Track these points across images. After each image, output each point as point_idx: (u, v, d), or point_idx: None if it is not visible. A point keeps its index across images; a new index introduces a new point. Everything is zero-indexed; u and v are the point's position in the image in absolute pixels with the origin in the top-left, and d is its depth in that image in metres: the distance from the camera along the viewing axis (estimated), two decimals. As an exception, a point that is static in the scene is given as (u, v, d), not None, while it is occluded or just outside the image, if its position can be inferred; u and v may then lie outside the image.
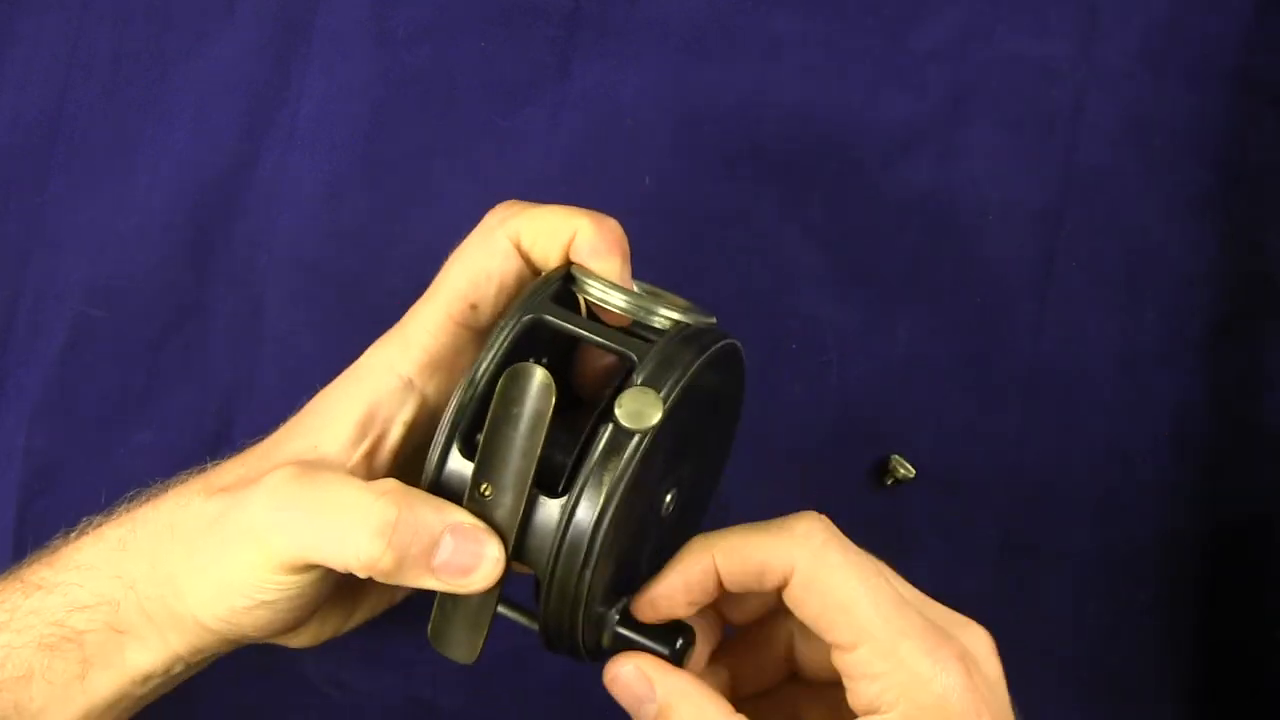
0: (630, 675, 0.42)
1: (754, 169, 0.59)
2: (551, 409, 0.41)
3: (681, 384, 0.41)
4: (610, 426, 0.40)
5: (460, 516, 0.41)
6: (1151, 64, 0.60)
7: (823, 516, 0.41)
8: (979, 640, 0.41)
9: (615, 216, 0.60)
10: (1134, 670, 0.61)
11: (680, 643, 0.43)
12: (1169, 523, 0.60)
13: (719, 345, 0.44)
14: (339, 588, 0.48)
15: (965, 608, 0.60)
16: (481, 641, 0.43)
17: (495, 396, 0.41)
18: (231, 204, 0.58)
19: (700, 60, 0.59)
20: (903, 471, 0.59)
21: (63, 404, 0.57)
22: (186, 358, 0.58)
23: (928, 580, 0.59)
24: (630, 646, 0.43)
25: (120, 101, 0.58)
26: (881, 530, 0.59)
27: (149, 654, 0.45)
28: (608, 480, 0.40)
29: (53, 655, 0.44)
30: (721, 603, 0.45)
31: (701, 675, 0.45)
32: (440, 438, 0.42)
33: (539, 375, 0.40)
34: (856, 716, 0.40)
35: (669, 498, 0.44)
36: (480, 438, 0.41)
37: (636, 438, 0.40)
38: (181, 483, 0.47)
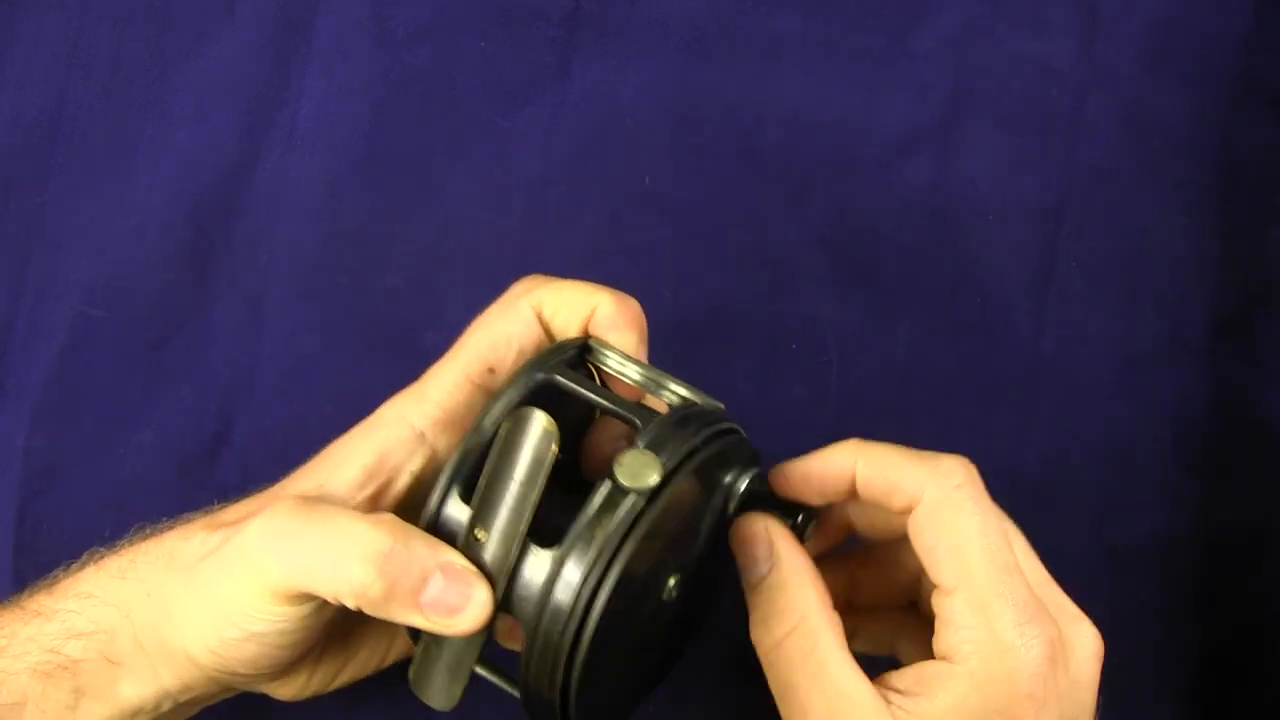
0: (758, 532, 0.43)
1: (754, 169, 0.59)
2: (551, 456, 0.40)
3: (683, 450, 0.41)
4: (607, 483, 0.40)
5: (453, 556, 0.41)
6: (1151, 64, 0.60)
7: (970, 464, 0.42)
8: (1085, 637, 0.41)
9: (615, 216, 0.60)
10: (1133, 670, 0.61)
11: (802, 517, 0.43)
12: (1169, 523, 0.60)
13: (726, 426, 0.43)
14: (330, 638, 0.47)
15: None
16: (460, 689, 0.42)
17: (497, 440, 0.40)
18: (231, 204, 0.58)
19: (700, 60, 0.59)
20: (903, 471, 0.59)
21: (63, 404, 0.57)
22: (186, 358, 0.58)
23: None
24: (756, 506, 0.44)
25: (120, 101, 0.58)
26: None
27: (139, 687, 0.45)
28: (599, 536, 0.39)
29: (47, 683, 0.44)
30: (854, 511, 0.46)
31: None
32: (442, 480, 0.42)
33: (542, 420, 0.40)
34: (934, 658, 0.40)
35: (672, 583, 0.43)
36: (480, 483, 0.41)
37: (632, 497, 0.39)
38: (186, 521, 0.47)
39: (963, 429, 0.60)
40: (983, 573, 0.39)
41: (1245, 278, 0.61)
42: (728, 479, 0.44)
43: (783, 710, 0.41)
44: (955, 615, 0.39)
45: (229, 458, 0.57)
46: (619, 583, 0.39)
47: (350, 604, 0.41)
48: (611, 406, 0.43)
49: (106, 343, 0.58)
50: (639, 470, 0.40)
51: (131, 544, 0.46)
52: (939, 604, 0.40)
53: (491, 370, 0.45)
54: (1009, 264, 0.60)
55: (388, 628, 0.50)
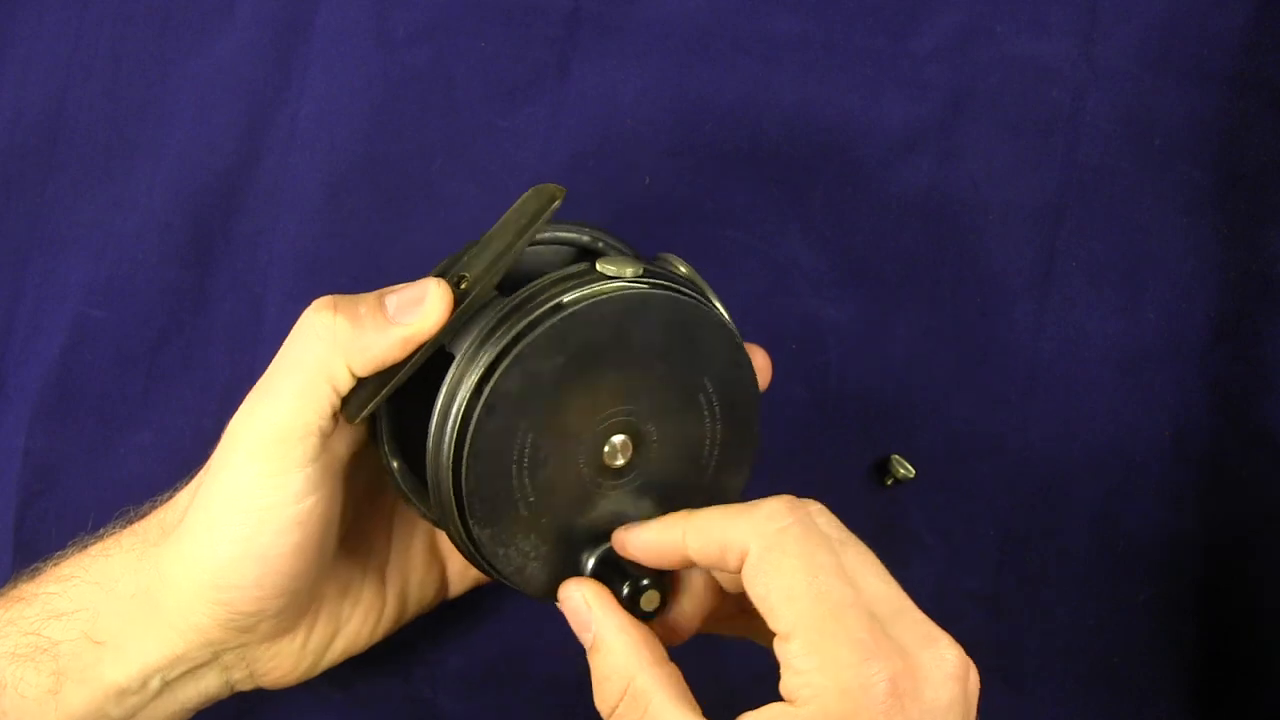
0: (574, 601, 0.43)
1: (754, 169, 0.59)
2: (548, 210, 0.42)
3: (666, 276, 0.43)
4: (584, 264, 0.43)
5: (394, 286, 0.44)
6: (1151, 64, 0.60)
7: (794, 502, 0.41)
8: (941, 660, 0.39)
9: (615, 216, 0.60)
10: (1133, 670, 0.61)
11: (631, 589, 0.43)
12: (1169, 523, 0.60)
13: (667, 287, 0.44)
14: (321, 601, 0.47)
15: (965, 607, 0.60)
16: (372, 404, 0.43)
17: (512, 207, 0.43)
18: (232, 204, 0.58)
19: (700, 60, 0.59)
20: (903, 471, 0.59)
21: (63, 404, 0.57)
22: (186, 358, 0.58)
23: (928, 580, 0.60)
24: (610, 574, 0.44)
25: (120, 101, 0.58)
26: (881, 530, 0.59)
27: (125, 666, 0.45)
28: (554, 290, 0.42)
29: (25, 666, 0.44)
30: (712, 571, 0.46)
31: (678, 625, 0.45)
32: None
33: (552, 187, 0.42)
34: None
35: (617, 441, 0.44)
36: (478, 241, 0.43)
37: (605, 280, 0.42)
38: (167, 499, 0.48)
39: (963, 429, 0.60)
40: (814, 615, 0.38)
41: (1245, 278, 0.61)
42: (583, 554, 0.44)
43: None
44: (793, 659, 0.38)
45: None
46: (539, 350, 0.40)
47: (341, 370, 0.42)
48: (613, 243, 0.45)
49: (106, 343, 0.58)
50: (619, 265, 0.43)
51: (115, 528, 0.47)
52: (778, 648, 0.39)
53: None
54: (1009, 264, 0.60)
55: (377, 584, 0.50)
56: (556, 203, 0.43)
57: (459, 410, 0.42)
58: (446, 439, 0.42)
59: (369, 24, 0.59)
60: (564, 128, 0.59)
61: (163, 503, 0.48)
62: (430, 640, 0.58)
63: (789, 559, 0.39)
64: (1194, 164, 0.61)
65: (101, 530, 0.48)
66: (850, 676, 0.37)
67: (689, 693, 0.41)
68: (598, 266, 0.43)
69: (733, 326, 0.46)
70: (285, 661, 0.48)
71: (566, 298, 0.42)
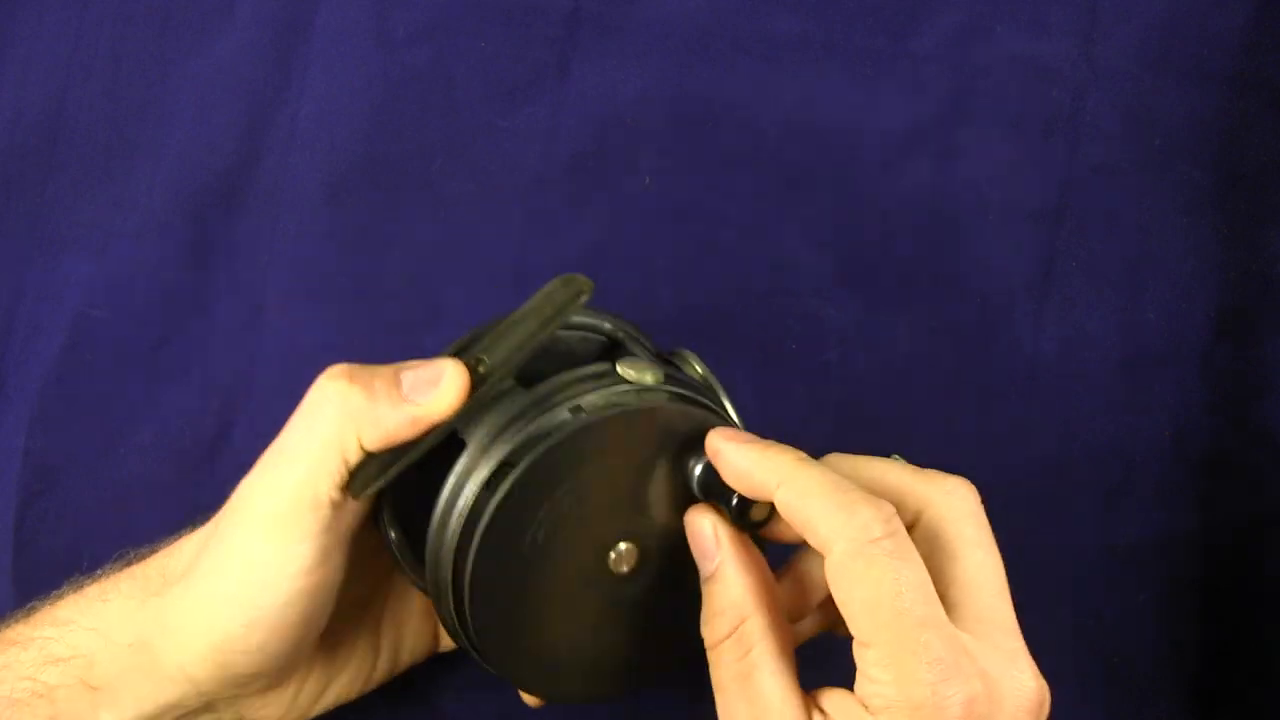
0: (701, 528, 0.42)
1: (754, 169, 0.59)
2: (574, 304, 0.41)
3: (682, 383, 0.42)
4: (605, 364, 0.42)
5: (411, 362, 0.43)
6: (1151, 64, 0.60)
7: (892, 514, 0.39)
8: (1017, 692, 0.39)
9: (615, 216, 0.60)
10: (1133, 670, 0.61)
11: (741, 499, 0.41)
12: (1169, 523, 0.60)
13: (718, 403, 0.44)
14: (317, 650, 0.47)
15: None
16: (378, 481, 0.42)
17: (538, 293, 0.42)
18: (231, 204, 0.58)
19: (700, 60, 0.59)
20: (903, 471, 0.59)
21: (63, 404, 0.57)
22: (186, 358, 0.58)
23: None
24: (713, 495, 0.42)
25: (120, 101, 0.58)
26: (881, 530, 0.59)
27: (119, 713, 0.44)
28: (574, 391, 0.41)
29: (22, 711, 0.43)
30: None
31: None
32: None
33: (580, 279, 0.42)
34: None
35: (623, 548, 0.43)
36: (501, 322, 0.43)
37: (623, 385, 0.41)
38: (169, 543, 0.47)
39: (963, 429, 0.60)
40: (894, 629, 0.38)
41: (1245, 278, 0.61)
42: (690, 461, 0.43)
43: (718, 708, 0.41)
44: (869, 668, 0.38)
45: (229, 458, 0.57)
46: (555, 456, 0.40)
47: (352, 442, 0.41)
48: (633, 334, 0.45)
49: (106, 343, 0.58)
50: (639, 369, 0.42)
51: (114, 569, 0.46)
52: (856, 652, 0.39)
53: None
54: (1009, 264, 0.60)
55: (372, 639, 0.50)
56: (584, 296, 0.42)
57: (467, 503, 0.41)
58: (450, 529, 0.42)
59: (369, 24, 0.59)
60: (564, 128, 0.59)
61: (164, 546, 0.47)
62: (430, 640, 0.58)
63: (874, 571, 0.38)
64: (1194, 164, 0.61)
65: (99, 571, 0.47)
66: (925, 694, 0.37)
67: (793, 656, 0.41)
68: (618, 369, 0.42)
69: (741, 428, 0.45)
70: (276, 711, 0.48)
71: (585, 400, 0.41)
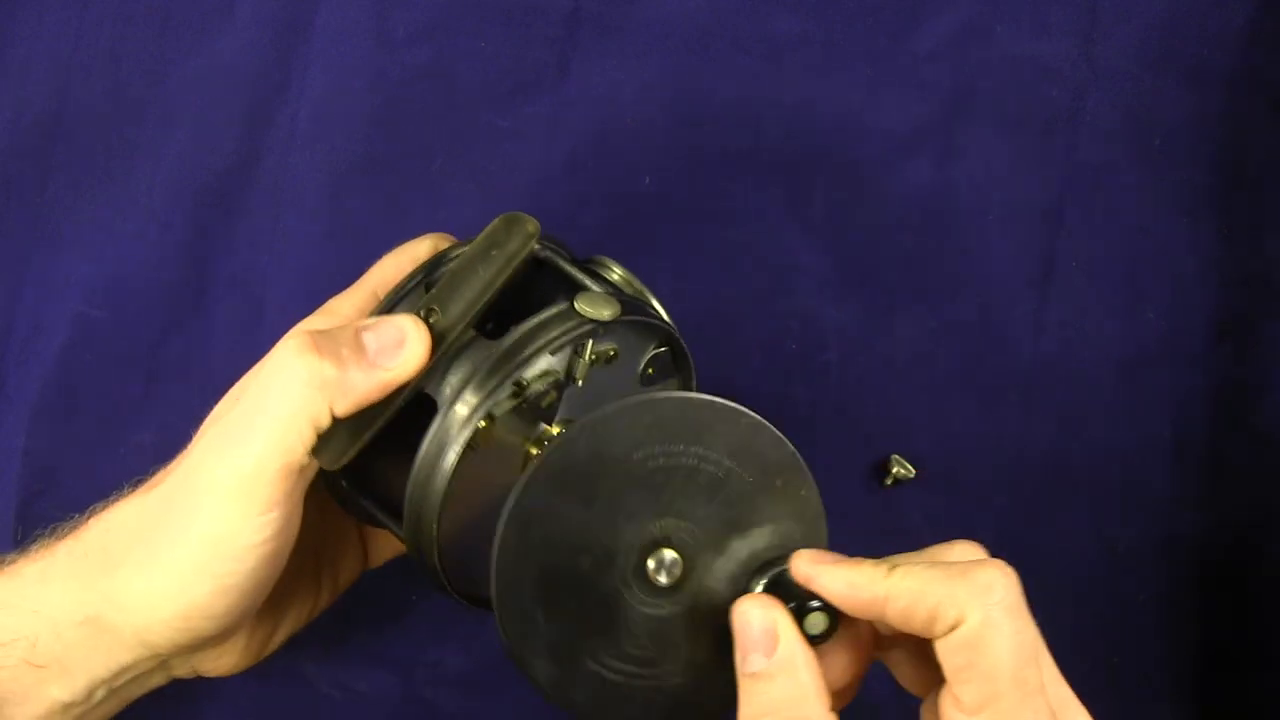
0: (760, 621, 0.40)
1: (754, 169, 0.60)
2: (525, 251, 0.42)
3: (644, 309, 0.44)
4: (562, 304, 0.43)
5: (367, 321, 0.43)
6: (1151, 64, 0.60)
7: (1007, 569, 0.39)
8: None
9: (615, 216, 0.60)
10: (1133, 670, 0.61)
11: (799, 609, 0.40)
12: (1169, 523, 0.60)
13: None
14: (262, 607, 0.47)
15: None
16: (353, 450, 0.42)
17: (481, 236, 0.43)
18: (232, 204, 0.58)
19: (700, 60, 0.59)
20: (903, 471, 0.59)
21: (63, 404, 0.57)
22: (186, 358, 0.58)
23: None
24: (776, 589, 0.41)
25: (120, 101, 0.58)
26: (881, 530, 0.59)
27: (70, 684, 0.45)
28: (539, 338, 0.42)
29: None
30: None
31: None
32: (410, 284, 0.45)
33: (527, 221, 0.43)
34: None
35: (668, 558, 0.41)
36: (446, 270, 0.43)
37: (581, 321, 0.42)
38: (95, 513, 0.47)
39: (963, 429, 0.60)
40: (1009, 699, 0.37)
41: (1245, 278, 0.61)
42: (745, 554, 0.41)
43: None
44: None
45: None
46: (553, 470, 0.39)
47: (324, 412, 0.42)
48: (582, 279, 0.45)
49: (106, 343, 0.58)
50: (596, 306, 0.43)
51: (45, 546, 0.46)
52: (953, 713, 0.38)
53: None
54: (1009, 264, 0.60)
55: (313, 580, 0.51)
56: (533, 244, 0.43)
57: (453, 462, 0.42)
58: (435, 488, 0.42)
59: (369, 24, 0.59)
60: (564, 128, 0.59)
61: (96, 515, 0.46)
62: (430, 640, 0.58)
63: (1004, 638, 0.38)
64: (1194, 164, 0.61)
65: (27, 543, 0.47)
66: None
67: None
68: (576, 307, 0.43)
69: (681, 339, 0.47)
70: (229, 659, 0.49)
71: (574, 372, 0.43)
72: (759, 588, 0.41)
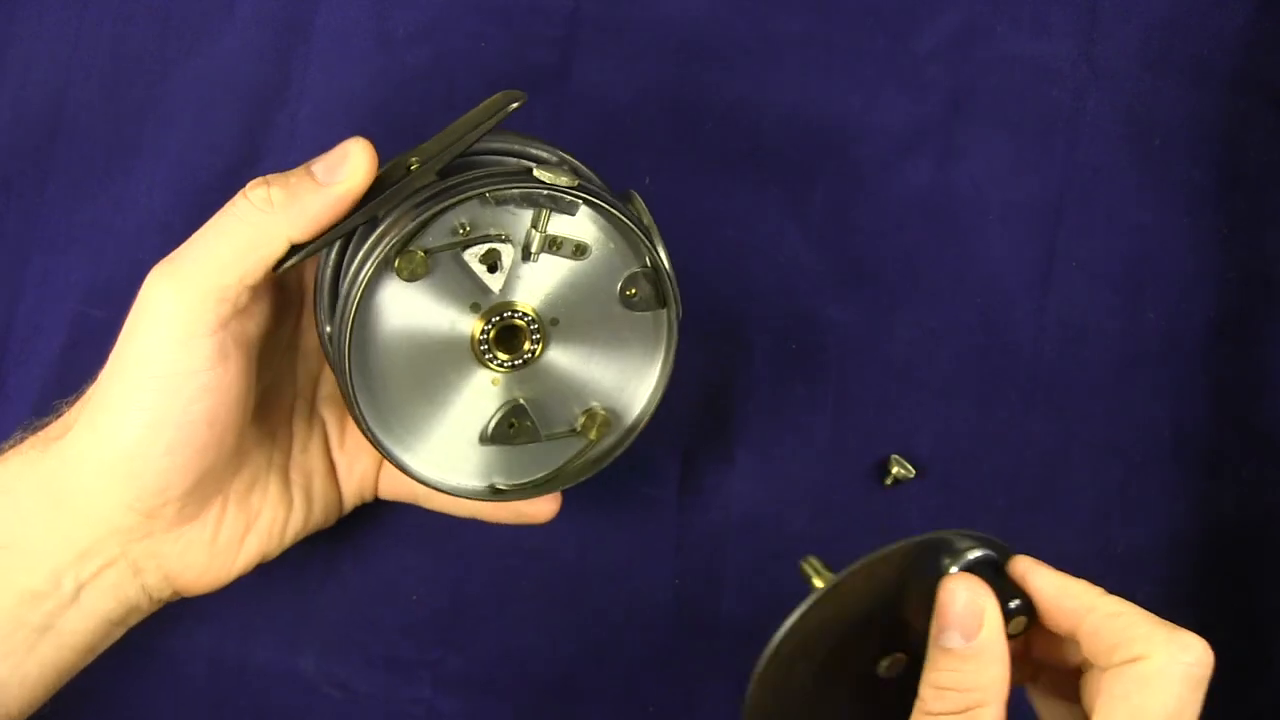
0: (972, 605, 0.40)
1: (754, 169, 0.60)
2: (505, 110, 0.45)
3: (601, 188, 0.47)
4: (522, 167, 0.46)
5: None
6: (1151, 64, 0.60)
7: (1208, 646, 0.40)
8: None
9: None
10: (1134, 670, 0.61)
11: (1003, 605, 0.41)
12: (1169, 523, 0.60)
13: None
14: (229, 493, 0.48)
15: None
16: (298, 257, 0.45)
17: (478, 106, 0.46)
18: (231, 204, 0.58)
19: (700, 60, 0.59)
20: (903, 471, 0.59)
21: (63, 404, 0.57)
22: (186, 358, 0.58)
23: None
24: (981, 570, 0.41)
25: (120, 101, 0.58)
26: (881, 530, 0.59)
27: (33, 568, 0.45)
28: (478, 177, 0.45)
29: None
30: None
31: None
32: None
33: (519, 94, 0.45)
34: None
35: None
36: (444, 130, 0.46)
37: (529, 180, 0.45)
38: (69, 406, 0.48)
39: (963, 429, 0.60)
40: None
41: (1245, 278, 0.61)
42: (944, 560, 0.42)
43: None
44: None
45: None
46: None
47: (281, 237, 0.44)
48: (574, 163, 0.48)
49: (106, 343, 0.57)
50: (554, 175, 0.45)
51: (15, 440, 0.47)
52: None
53: None
54: (1009, 264, 0.60)
55: (282, 484, 0.51)
56: (516, 104, 0.45)
57: (368, 272, 0.44)
58: (350, 298, 0.44)
59: (369, 24, 0.59)
60: (564, 128, 0.59)
61: (69, 405, 0.48)
62: (430, 640, 0.58)
63: (1171, 694, 0.39)
64: (1194, 164, 0.61)
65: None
66: None
67: None
68: (534, 173, 0.45)
69: (673, 285, 0.48)
70: (198, 559, 0.48)
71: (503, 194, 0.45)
72: (967, 559, 0.42)
